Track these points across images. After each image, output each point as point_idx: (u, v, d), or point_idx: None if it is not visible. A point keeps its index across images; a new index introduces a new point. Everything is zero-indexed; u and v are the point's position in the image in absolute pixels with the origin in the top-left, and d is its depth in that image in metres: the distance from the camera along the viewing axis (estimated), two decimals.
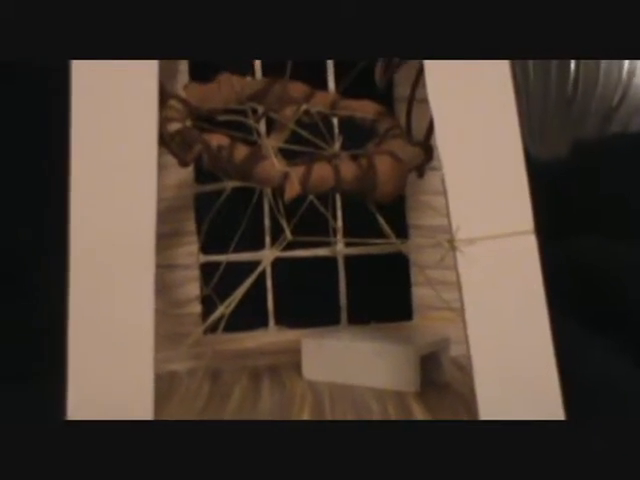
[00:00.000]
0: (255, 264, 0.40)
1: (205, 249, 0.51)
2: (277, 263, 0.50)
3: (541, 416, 0.32)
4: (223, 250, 0.49)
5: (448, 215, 0.34)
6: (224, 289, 0.41)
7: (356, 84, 0.46)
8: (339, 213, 0.52)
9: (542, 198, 0.36)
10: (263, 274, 0.51)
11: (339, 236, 0.51)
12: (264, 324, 0.51)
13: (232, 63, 0.47)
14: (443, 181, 0.34)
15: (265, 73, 0.50)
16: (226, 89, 0.44)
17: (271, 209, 0.50)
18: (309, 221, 0.43)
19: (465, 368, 0.44)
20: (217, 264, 0.48)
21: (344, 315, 0.52)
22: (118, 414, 0.32)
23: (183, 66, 0.50)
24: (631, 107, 0.76)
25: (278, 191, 0.37)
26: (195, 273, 0.51)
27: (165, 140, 0.37)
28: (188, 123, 0.39)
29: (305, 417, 0.38)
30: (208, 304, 0.48)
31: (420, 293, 0.51)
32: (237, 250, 0.49)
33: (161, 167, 0.34)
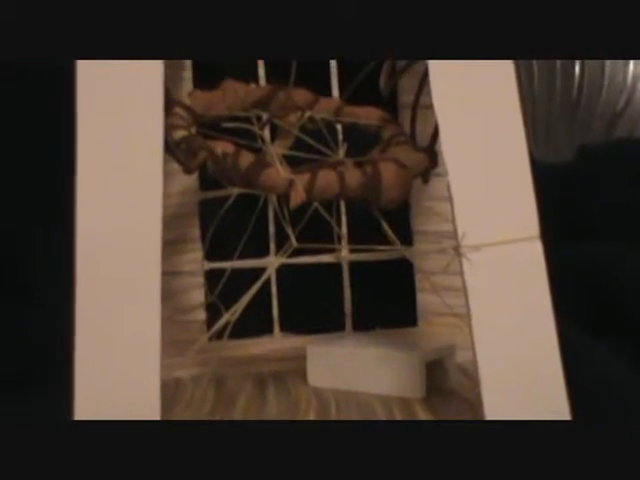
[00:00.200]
0: (260, 271, 0.40)
1: (210, 256, 0.51)
2: (282, 269, 0.50)
3: None
4: (228, 257, 0.49)
5: (453, 221, 0.34)
6: (229, 296, 0.41)
7: (360, 91, 0.46)
8: (344, 219, 0.52)
9: (547, 203, 0.36)
10: (268, 281, 0.51)
11: (344, 242, 0.51)
12: (269, 331, 0.51)
13: (236, 65, 0.47)
14: (448, 187, 0.34)
15: (269, 80, 0.50)
16: (230, 96, 0.44)
17: (276, 215, 0.50)
18: (314, 228, 0.43)
19: (471, 374, 0.44)
20: (222, 271, 0.48)
21: (349, 321, 0.52)
22: None
23: (187, 73, 0.50)
24: (636, 112, 0.76)
25: (283, 198, 0.37)
26: (200, 280, 0.51)
27: (170, 147, 0.37)
28: (193, 130, 0.39)
29: None
30: (213, 311, 0.48)
31: (425, 299, 0.51)
32: (242, 257, 0.49)
33: (166, 174, 0.34)
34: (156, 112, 0.34)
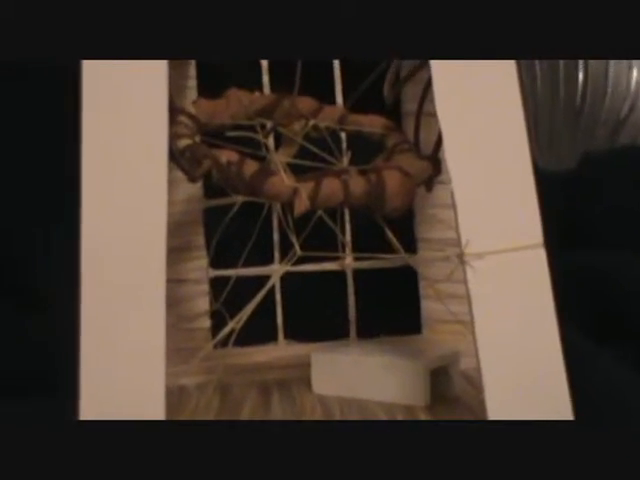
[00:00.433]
0: (264, 278, 0.40)
1: (214, 264, 0.51)
2: (286, 277, 0.50)
3: None
4: (232, 264, 0.49)
5: (457, 229, 0.34)
6: (233, 303, 0.41)
7: (364, 99, 0.46)
8: (348, 227, 0.52)
9: (550, 210, 0.36)
10: (272, 288, 0.51)
11: (348, 250, 0.51)
12: (273, 338, 0.51)
13: (240, 72, 0.47)
14: (452, 195, 0.34)
15: (273, 88, 0.50)
16: (234, 104, 0.44)
17: (280, 223, 0.50)
18: (318, 235, 0.44)
19: (475, 381, 0.44)
20: (226, 278, 0.48)
21: (353, 329, 0.52)
22: None
23: (191, 82, 0.50)
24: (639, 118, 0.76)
25: (287, 206, 0.37)
26: (204, 287, 0.51)
27: (175, 156, 0.37)
28: (197, 139, 0.39)
29: None
30: (217, 318, 0.48)
31: (429, 306, 0.51)
32: (246, 264, 0.49)
33: (170, 182, 0.34)
34: (161, 119, 0.34)
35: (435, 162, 0.41)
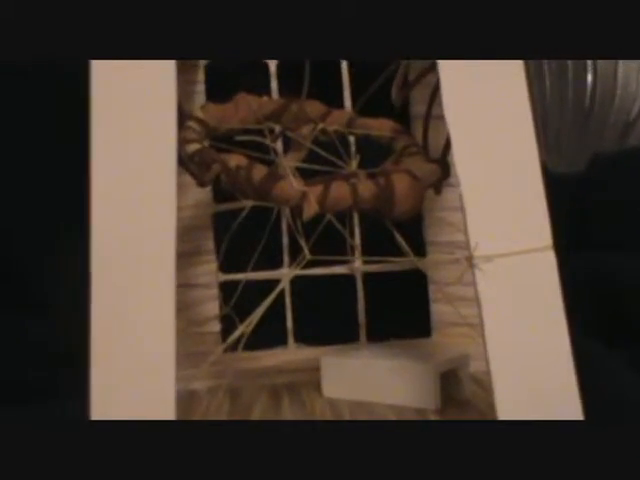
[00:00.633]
0: (274, 282, 0.40)
1: (224, 268, 0.51)
2: (296, 281, 0.50)
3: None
4: (242, 269, 0.49)
5: (466, 232, 0.34)
6: (243, 307, 0.41)
7: (372, 102, 0.46)
8: (357, 230, 0.52)
9: (559, 213, 0.36)
10: (282, 292, 0.51)
11: (357, 254, 0.51)
12: (283, 342, 0.51)
13: (248, 77, 0.47)
14: (461, 198, 0.34)
15: (281, 93, 0.50)
16: (243, 109, 0.44)
17: (289, 227, 0.50)
18: (327, 239, 0.44)
19: (485, 384, 0.44)
20: (236, 283, 0.48)
21: (363, 332, 0.52)
22: None
23: (200, 87, 0.50)
24: None
25: (296, 210, 0.37)
26: (214, 292, 0.51)
27: (184, 161, 0.37)
28: (206, 144, 0.39)
29: None
30: (227, 322, 0.48)
31: (439, 309, 0.51)
32: (256, 268, 0.49)
33: (179, 187, 0.34)
34: (170, 124, 0.34)
35: (444, 165, 0.41)
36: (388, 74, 0.46)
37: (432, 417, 0.40)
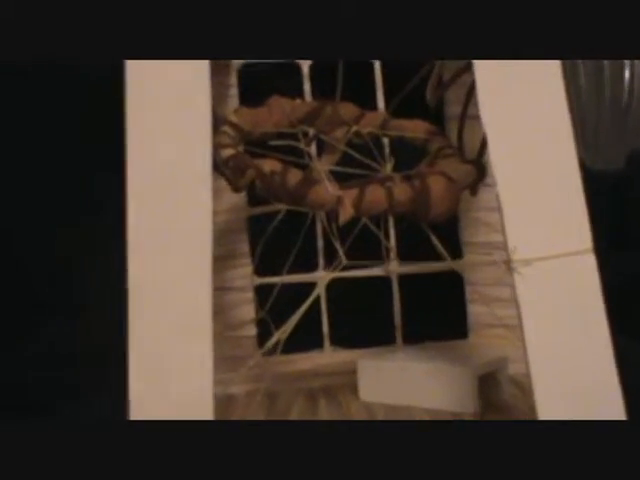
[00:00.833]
0: (309, 285, 0.40)
1: (259, 271, 0.51)
2: (331, 284, 0.50)
3: None
4: (277, 272, 0.49)
5: (503, 233, 0.34)
6: (278, 311, 0.41)
7: (406, 103, 0.46)
8: (392, 232, 0.52)
9: (598, 213, 0.35)
10: (317, 295, 0.51)
11: (393, 255, 0.51)
12: (319, 345, 0.51)
13: (281, 80, 0.47)
14: (498, 199, 0.34)
15: (314, 95, 0.50)
16: (277, 112, 0.44)
17: (324, 230, 0.50)
18: (362, 241, 0.43)
19: (524, 387, 0.43)
20: (271, 286, 0.48)
21: (399, 335, 0.52)
22: None
23: (233, 90, 0.50)
24: None
25: (332, 215, 0.37)
26: (249, 295, 0.51)
27: (218, 166, 0.37)
28: (240, 149, 0.39)
29: None
30: (263, 326, 0.48)
31: (475, 311, 0.51)
32: (291, 272, 0.49)
33: (214, 191, 0.34)
34: (204, 129, 0.34)
35: (479, 166, 0.41)
36: (422, 74, 0.45)
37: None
